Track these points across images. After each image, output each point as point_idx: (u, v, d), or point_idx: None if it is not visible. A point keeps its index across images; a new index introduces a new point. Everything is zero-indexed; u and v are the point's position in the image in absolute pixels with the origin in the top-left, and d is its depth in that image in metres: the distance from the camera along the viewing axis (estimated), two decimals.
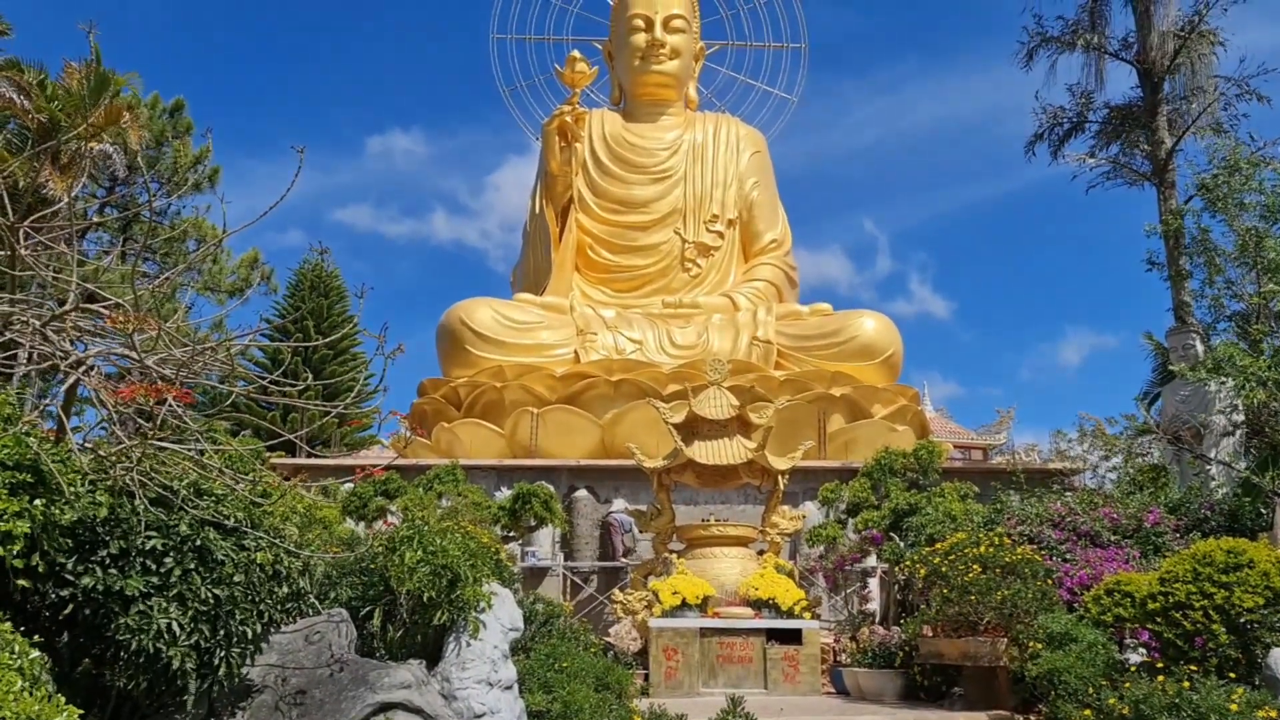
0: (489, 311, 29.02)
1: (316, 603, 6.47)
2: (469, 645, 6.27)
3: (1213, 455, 15.33)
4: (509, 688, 6.39)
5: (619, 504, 23.18)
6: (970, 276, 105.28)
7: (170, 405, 5.26)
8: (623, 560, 22.77)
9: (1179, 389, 17.77)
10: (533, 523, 15.38)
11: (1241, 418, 15.92)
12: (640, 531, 18.81)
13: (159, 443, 5.41)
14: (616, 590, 15.54)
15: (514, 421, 26.55)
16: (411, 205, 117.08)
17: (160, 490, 5.23)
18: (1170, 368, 17.08)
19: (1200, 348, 17.44)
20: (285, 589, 5.67)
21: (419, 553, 6.33)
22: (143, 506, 5.01)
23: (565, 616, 9.36)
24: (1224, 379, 14.25)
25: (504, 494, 19.89)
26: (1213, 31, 21.99)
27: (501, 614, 6.55)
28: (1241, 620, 9.11)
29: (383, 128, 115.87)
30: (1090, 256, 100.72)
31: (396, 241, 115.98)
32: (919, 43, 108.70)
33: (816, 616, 15.07)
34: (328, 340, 7.27)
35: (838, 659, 14.48)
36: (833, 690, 13.71)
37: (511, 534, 15.49)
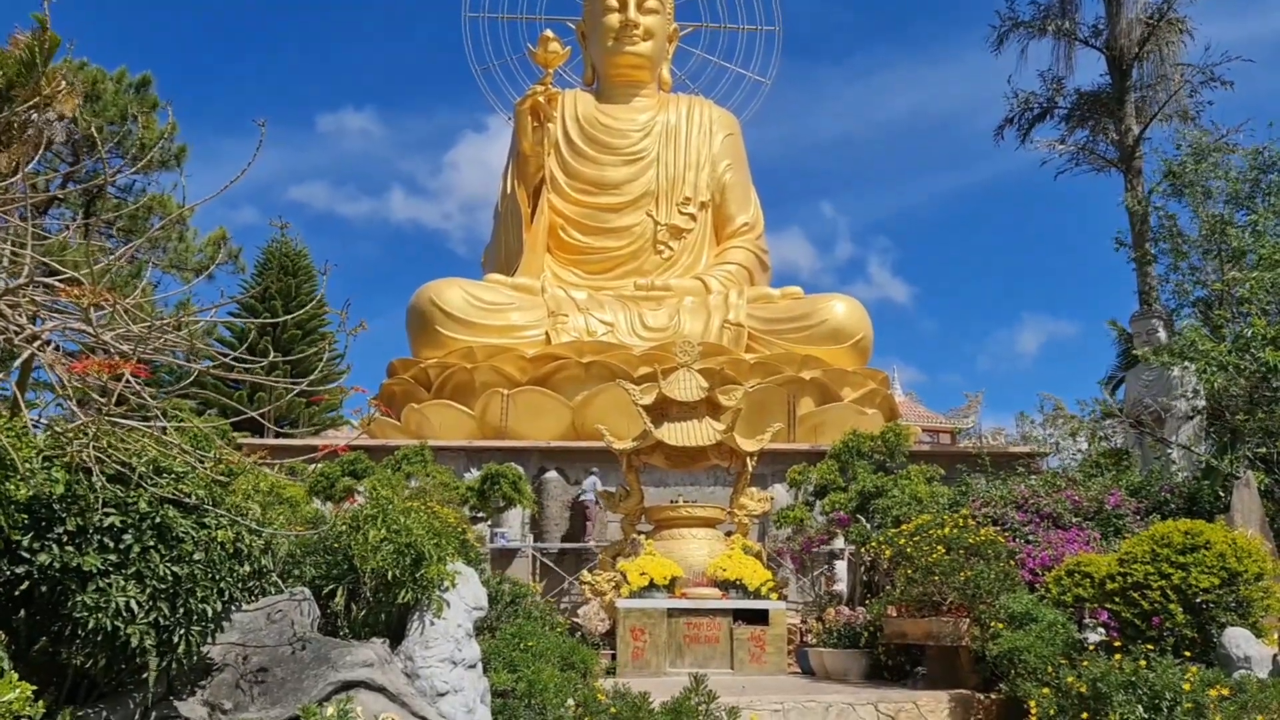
0: (459, 292, 28.89)
1: (280, 581, 6.43)
2: (432, 624, 6.26)
3: (1174, 439, 15.56)
4: (473, 666, 6.39)
5: (590, 480, 23.23)
6: (932, 264, 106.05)
7: (129, 381, 5.20)
8: (592, 542, 22.85)
9: (1142, 373, 17.99)
10: (501, 503, 15.37)
11: (1203, 402, 16.15)
12: (609, 513, 18.83)
13: (116, 419, 5.35)
14: (585, 571, 15.57)
15: (484, 403, 26.50)
16: (369, 184, 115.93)
17: (119, 467, 5.17)
18: (1134, 352, 17.29)
19: (1164, 333, 17.66)
20: (247, 567, 5.64)
21: (383, 531, 6.31)
22: (100, 483, 4.96)
23: (532, 597, 9.38)
24: (1186, 364, 14.44)
25: (473, 475, 19.88)
26: (1181, 20, 22.19)
27: (465, 593, 6.55)
28: (1197, 600, 9.27)
29: (335, 105, 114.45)
30: (1049, 245, 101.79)
31: (354, 221, 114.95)
32: (895, 31, 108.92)
33: (784, 598, 15.18)
34: (292, 317, 7.24)
35: (804, 640, 14.60)
36: (799, 670, 13.84)
37: (480, 514, 15.48)
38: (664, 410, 15.50)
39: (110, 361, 4.63)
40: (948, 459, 21.72)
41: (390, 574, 6.25)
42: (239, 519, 5.62)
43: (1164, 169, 18.36)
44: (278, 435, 26.95)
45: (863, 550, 13.43)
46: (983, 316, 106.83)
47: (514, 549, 23.38)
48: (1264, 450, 12.75)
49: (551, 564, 23.12)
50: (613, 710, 6.87)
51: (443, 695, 6.10)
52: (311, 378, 6.11)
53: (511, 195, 32.22)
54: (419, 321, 29.01)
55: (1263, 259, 14.74)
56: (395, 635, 6.51)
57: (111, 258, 5.36)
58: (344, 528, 6.53)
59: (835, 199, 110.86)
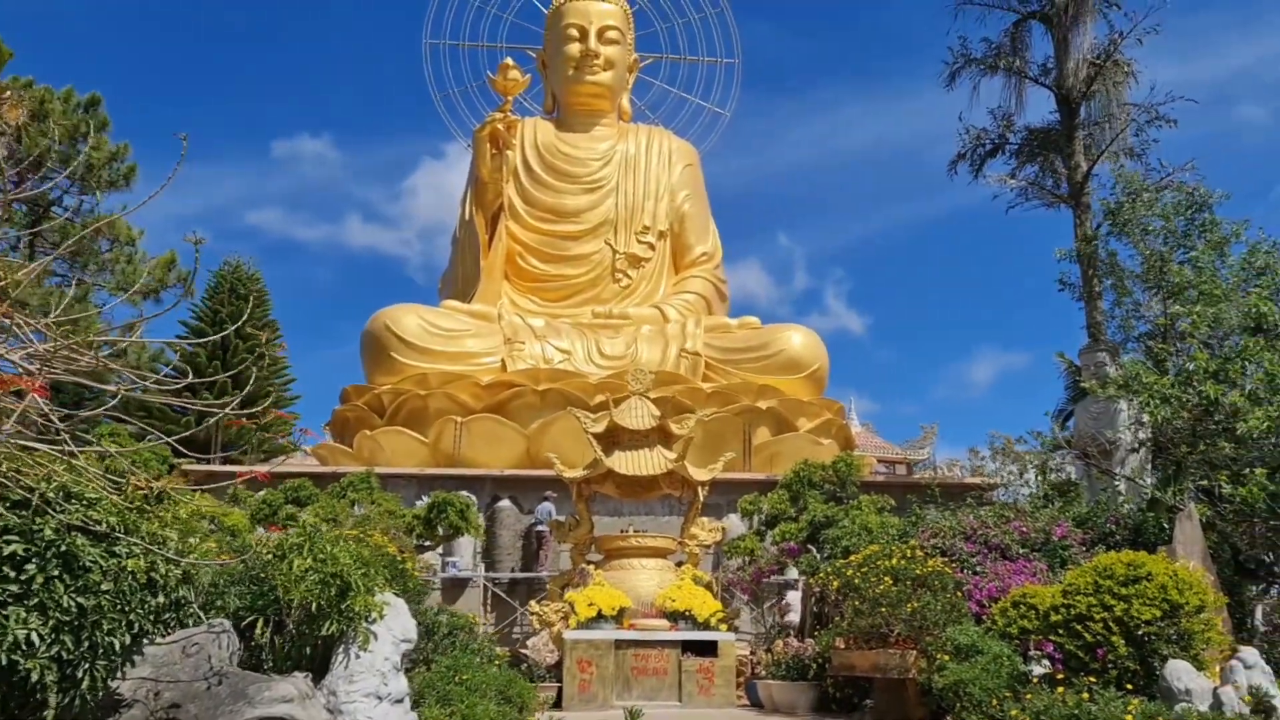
0: (415, 318, 28.63)
1: (201, 613, 6.21)
2: (358, 657, 6.07)
3: (1119, 471, 15.68)
4: (399, 701, 6.19)
5: (544, 507, 23.00)
6: (887, 296, 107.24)
7: (39, 403, 5.01)
8: (545, 571, 22.57)
9: (1090, 406, 18.18)
10: (448, 532, 15.11)
11: (1147, 435, 16.31)
12: (559, 542, 18.62)
13: (26, 442, 5.14)
14: (533, 602, 15.34)
15: (438, 430, 26.22)
16: (325, 210, 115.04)
17: (24, 493, 4.97)
18: (1082, 385, 17.46)
19: (1111, 366, 17.86)
20: (161, 598, 5.43)
21: (308, 560, 6.12)
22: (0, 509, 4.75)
23: (470, 628, 9.17)
24: (1131, 397, 14.58)
25: (424, 503, 19.62)
26: (1127, 61, 22.65)
27: (394, 625, 6.36)
28: (1140, 632, 9.26)
29: (291, 131, 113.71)
30: (1003, 278, 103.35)
31: (311, 247, 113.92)
32: (854, 66, 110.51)
33: (735, 629, 15.06)
34: (220, 333, 6.99)
35: (755, 671, 14.46)
36: (747, 702, 13.69)
37: (426, 543, 15.21)
38: (615, 438, 15.38)
39: (9, 379, 4.44)
40: (899, 490, 21.76)
41: (314, 605, 6.05)
42: (154, 548, 5.41)
43: (1103, 208, 18.67)
44: (225, 461, 26.48)
45: (812, 581, 13.34)
46: (937, 348, 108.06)
47: (465, 579, 23.06)
48: (1206, 483, 12.87)
49: (503, 594, 22.81)
50: None
51: None
52: (236, 398, 5.93)
53: (469, 222, 32.06)
54: (374, 347, 28.69)
55: (1203, 294, 14.97)
56: (320, 669, 6.31)
57: (22, 273, 5.16)
58: (269, 556, 6.33)
59: (792, 230, 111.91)
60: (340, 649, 6.15)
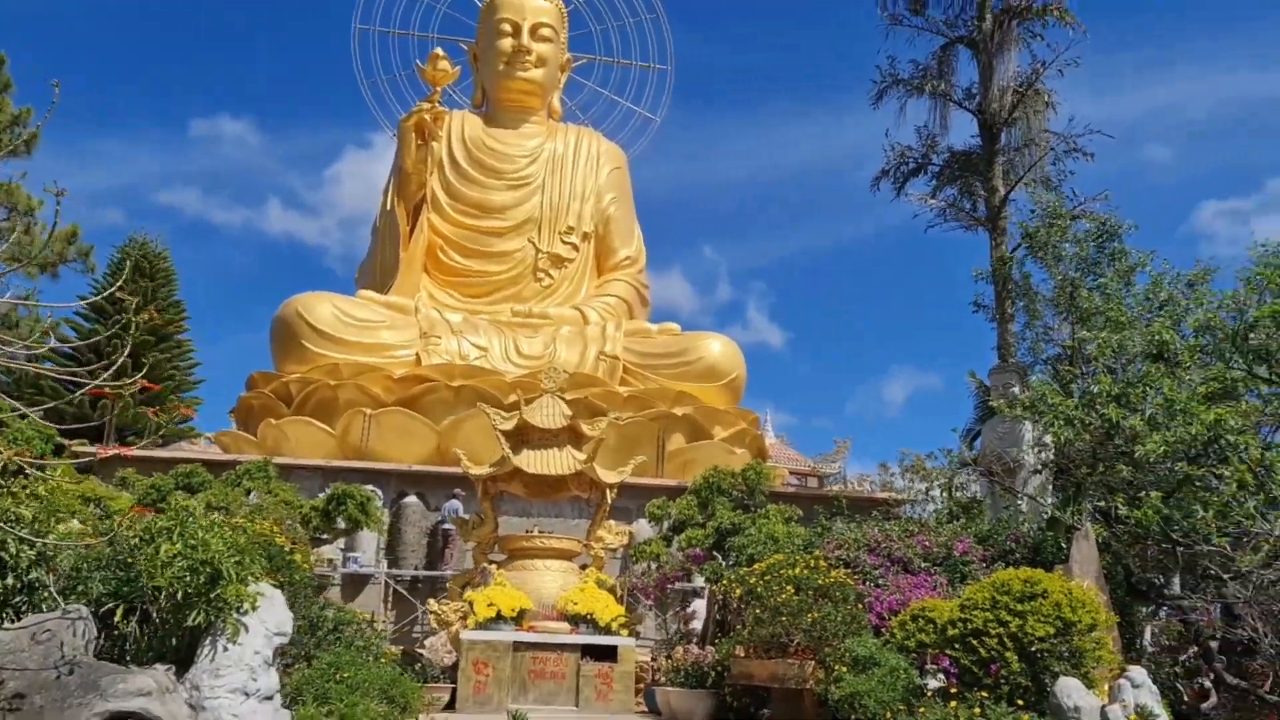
0: (329, 307, 27.92)
1: (58, 597, 5.80)
2: (226, 650, 5.72)
3: (1022, 490, 15.92)
4: (269, 698, 5.85)
5: (451, 504, 22.55)
6: (808, 311, 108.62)
7: None
8: (450, 570, 22.12)
9: (997, 426, 18.45)
10: (347, 525, 14.65)
11: (1051, 455, 16.62)
12: (463, 540, 18.25)
13: None
14: (432, 601, 14.96)
15: (346, 422, 25.57)
16: (244, 194, 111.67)
17: None
18: (990, 405, 17.72)
19: (1019, 387, 18.16)
20: (10, 580, 5.03)
21: (178, 545, 5.75)
22: None
23: (358, 624, 8.81)
24: (1037, 418, 14.81)
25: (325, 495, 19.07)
26: (1048, 91, 23.20)
27: (267, 617, 6.02)
28: (1033, 649, 9.33)
29: (210, 110, 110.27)
30: (921, 300, 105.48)
31: (227, 230, 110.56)
32: (788, 84, 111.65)
33: (637, 635, 14.88)
34: (121, 311, 6.54)
35: (655, 678, 14.29)
36: (645, 709, 13.51)
37: (324, 536, 14.72)
38: (525, 437, 15.09)
39: None
40: (809, 501, 21.86)
41: (181, 593, 5.68)
42: (5, 526, 5.01)
43: (1022, 231, 19.04)
44: (120, 444, 25.43)
45: (716, 588, 13.24)
46: (854, 365, 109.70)
47: (367, 575, 22.49)
48: (1104, 504, 13.11)
49: (405, 592, 22.30)
50: None
51: None
52: (111, 383, 5.55)
53: (391, 212, 31.39)
54: (284, 334, 27.90)
55: (1109, 320, 15.31)
56: (186, 661, 5.93)
57: None
58: (135, 540, 5.94)
59: (718, 242, 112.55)
60: (207, 640, 5.79)
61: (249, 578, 6.01)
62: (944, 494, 19.07)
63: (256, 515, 11.94)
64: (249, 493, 13.91)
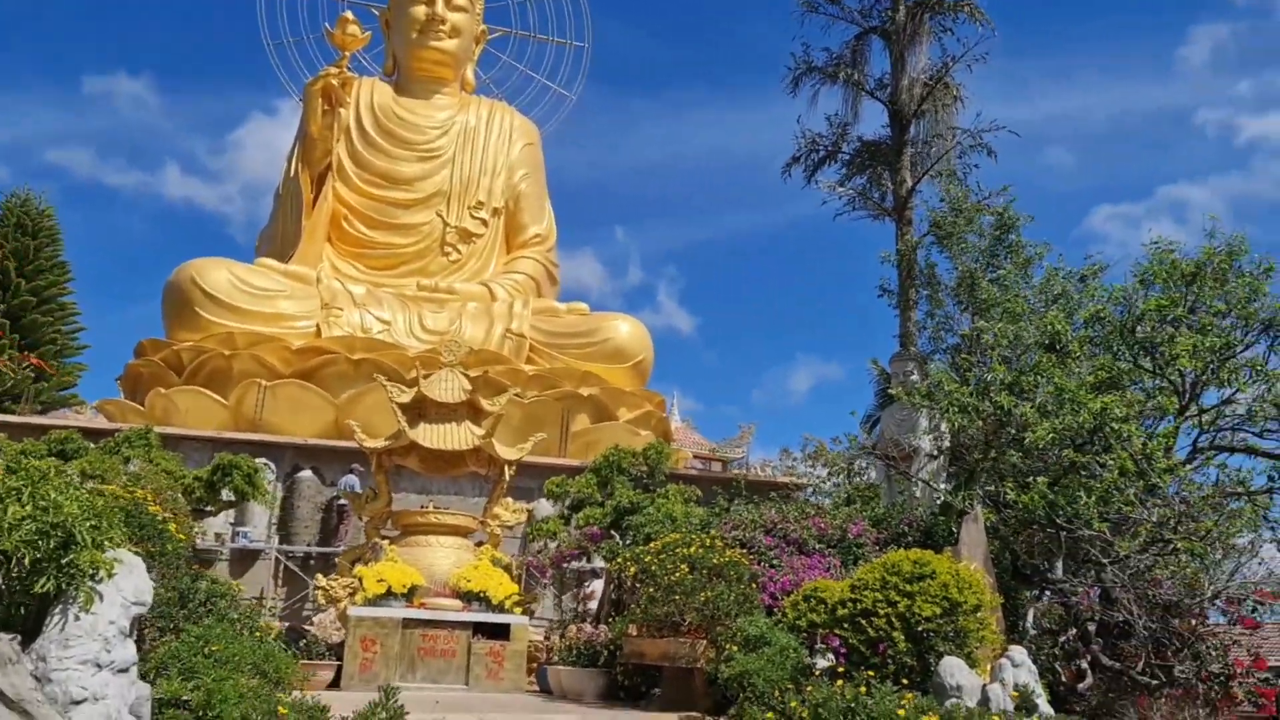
0: (225, 273, 26.97)
1: None
2: (77, 619, 5.35)
3: (917, 476, 16.18)
4: (124, 670, 5.51)
5: (347, 479, 21.99)
6: (717, 298, 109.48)
7: None
8: (344, 546, 21.59)
9: (896, 413, 18.71)
10: (233, 497, 14.12)
11: (947, 443, 16.93)
12: (356, 515, 17.80)
13: None
14: (320, 576, 14.53)
15: (241, 393, 24.77)
16: (140, 156, 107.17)
17: None
18: (889, 392, 17.97)
19: (918, 375, 18.44)
20: None
21: (27, 507, 5.36)
22: None
23: (233, 597, 8.44)
24: (933, 405, 15.04)
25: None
26: (956, 85, 23.58)
27: (125, 585, 5.66)
28: (920, 629, 9.44)
29: (106, 68, 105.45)
30: (827, 289, 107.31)
31: (122, 193, 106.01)
32: (706, 71, 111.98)
33: (532, 614, 14.70)
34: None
35: (549, 657, 14.15)
36: (538, 688, 13.36)
37: (209, 508, 14.16)
38: (422, 411, 14.74)
39: None
40: (711, 484, 21.95)
41: (29, 558, 5.30)
42: None
43: (929, 220, 19.33)
44: None
45: (612, 567, 13.14)
46: (761, 353, 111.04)
47: (257, 550, 21.83)
48: (994, 490, 13.38)
49: (296, 569, 21.70)
50: None
51: (79, 703, 5.21)
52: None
53: (294, 178, 30.46)
54: (176, 300, 26.89)
55: (1006, 311, 15.63)
56: (33, 631, 5.54)
57: None
58: None
59: (630, 225, 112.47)
60: (57, 609, 5.41)
61: (105, 543, 5.64)
62: (843, 478, 19.31)
63: (134, 484, 11.40)
64: (128, 461, 13.28)
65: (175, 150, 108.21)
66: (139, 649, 7.65)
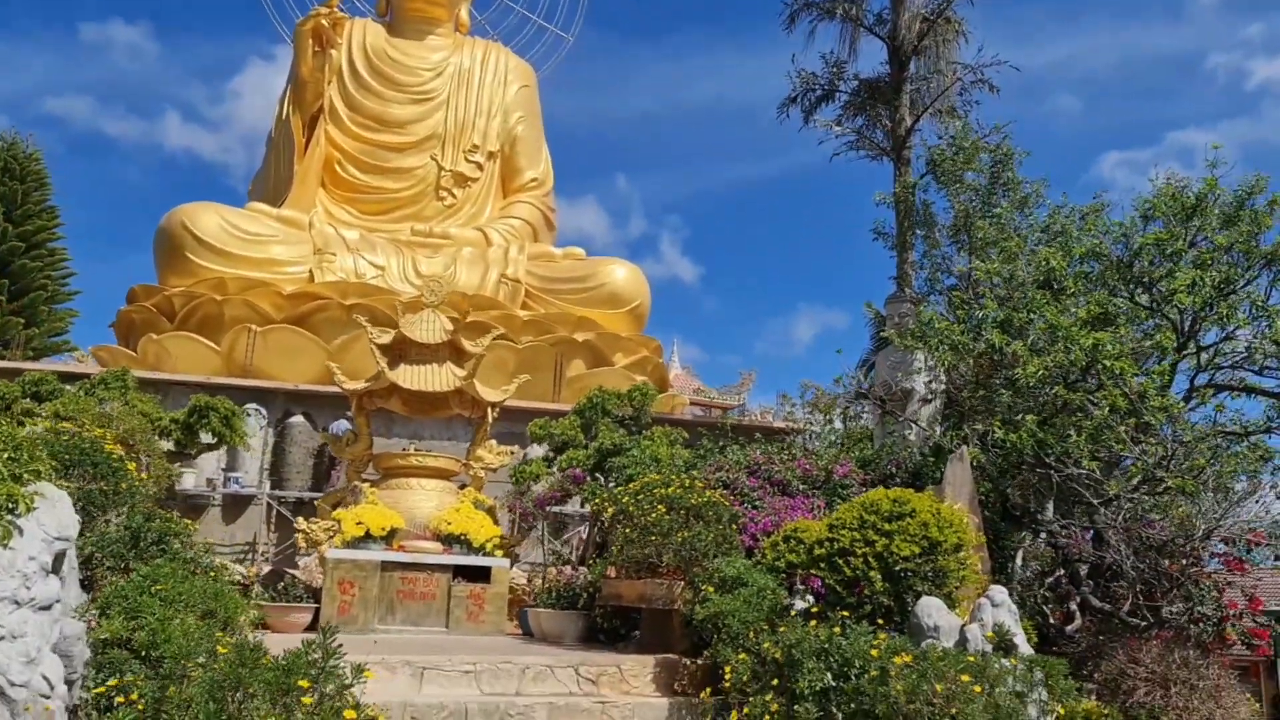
0: (216, 218, 26.59)
1: None
2: None
3: (911, 419, 15.89)
4: (46, 608, 5.29)
5: (339, 424, 21.82)
6: (720, 247, 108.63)
7: None
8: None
9: (890, 356, 18.38)
10: (211, 439, 13.91)
11: (942, 386, 16.61)
12: (336, 457, 17.63)
13: None
14: (301, 519, 14.38)
15: (233, 339, 24.52)
16: (139, 105, 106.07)
17: None
18: (882, 335, 17.63)
19: (913, 318, 18.09)
20: None
21: None
22: None
23: (188, 536, 8.23)
24: (924, 347, 14.71)
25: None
26: (958, 20, 22.89)
27: (47, 520, 5.42)
28: (898, 569, 9.20)
29: (102, 15, 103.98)
30: (829, 237, 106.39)
31: (122, 143, 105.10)
32: (707, 18, 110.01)
33: (516, 557, 14.55)
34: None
35: (534, 600, 14.01)
36: (520, 632, 13.23)
37: (187, 450, 13.97)
38: (403, 352, 14.48)
39: None
40: (704, 429, 21.68)
41: None
42: None
43: (928, 155, 18.83)
44: None
45: (590, 508, 12.94)
46: (764, 302, 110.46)
47: (249, 495, 21.74)
48: (981, 428, 13.08)
49: (288, 514, 21.60)
50: (221, 663, 5.91)
51: None
52: None
53: (286, 122, 29.98)
54: (167, 246, 26.57)
55: (1003, 250, 15.22)
56: None
57: None
58: None
59: (633, 174, 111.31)
60: None
61: (25, 476, 5.40)
62: (838, 421, 19.02)
63: (107, 425, 11.19)
64: (102, 402, 13.06)
65: (175, 99, 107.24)
66: (90, 589, 7.47)
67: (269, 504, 21.57)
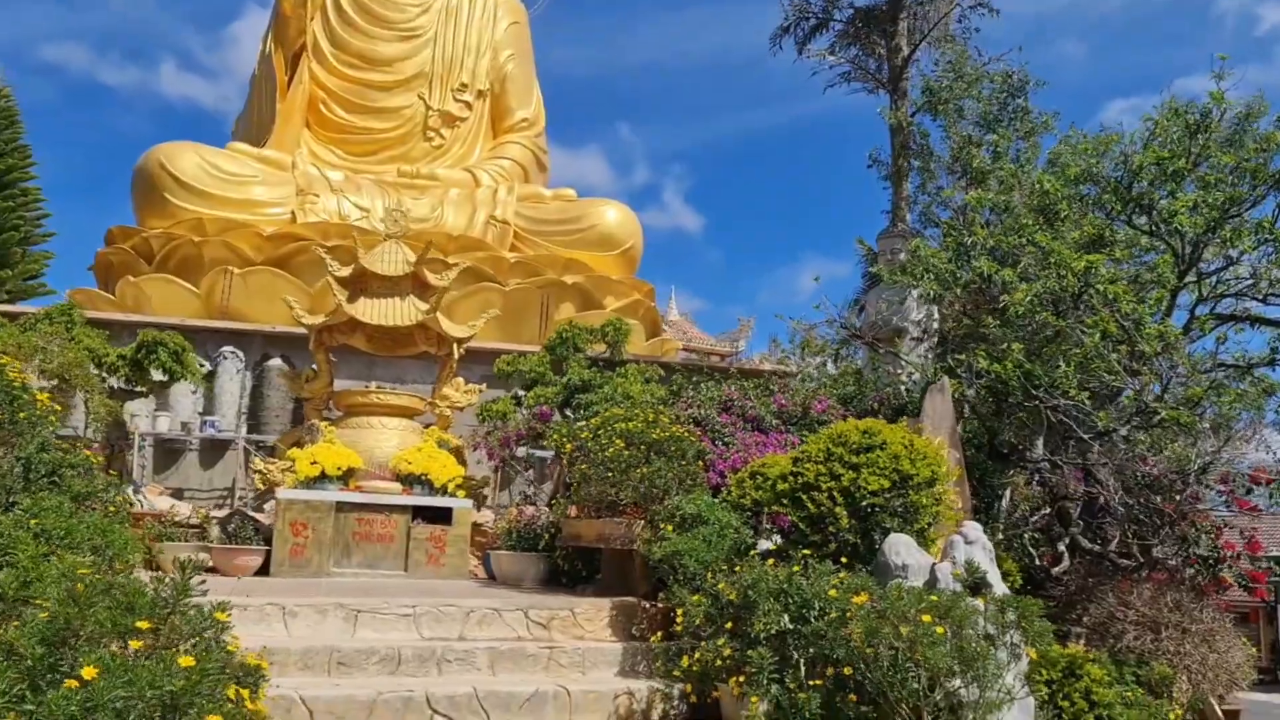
0: (195, 158, 25.81)
1: None
2: None
3: (898, 354, 15.19)
4: None
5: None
6: (723, 197, 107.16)
7: None
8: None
9: (883, 293, 17.64)
10: (162, 377, 13.32)
11: (936, 324, 15.88)
12: (294, 395, 17.05)
13: None
14: (257, 459, 13.81)
15: (211, 281, 23.86)
16: (136, 52, 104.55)
17: None
18: (873, 271, 16.87)
19: (905, 254, 17.32)
20: None
21: None
22: None
23: (88, 469, 7.62)
24: (912, 279, 13.96)
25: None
26: None
27: None
28: (864, 504, 8.55)
29: None
30: (834, 188, 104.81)
31: (119, 91, 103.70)
32: None
33: (482, 498, 13.98)
34: None
35: (497, 543, 13.45)
36: (484, 575, 12.69)
37: (138, 388, 13.38)
38: (364, 285, 13.82)
39: None
40: (691, 372, 21.01)
41: None
42: None
43: (925, 84, 17.91)
44: None
45: (551, 443, 12.32)
46: (767, 252, 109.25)
47: (226, 439, 21.27)
48: (967, 360, 12.35)
49: (266, 458, 21.11)
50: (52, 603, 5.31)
51: None
52: None
53: (268, 58, 29.09)
54: (145, 186, 25.82)
55: (1002, 182, 14.39)
56: None
57: None
58: None
59: (636, 124, 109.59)
60: None
61: None
62: (832, 366, 18.31)
63: (28, 358, 10.59)
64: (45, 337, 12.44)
65: (172, 46, 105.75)
66: None
67: (246, 448, 21.09)
